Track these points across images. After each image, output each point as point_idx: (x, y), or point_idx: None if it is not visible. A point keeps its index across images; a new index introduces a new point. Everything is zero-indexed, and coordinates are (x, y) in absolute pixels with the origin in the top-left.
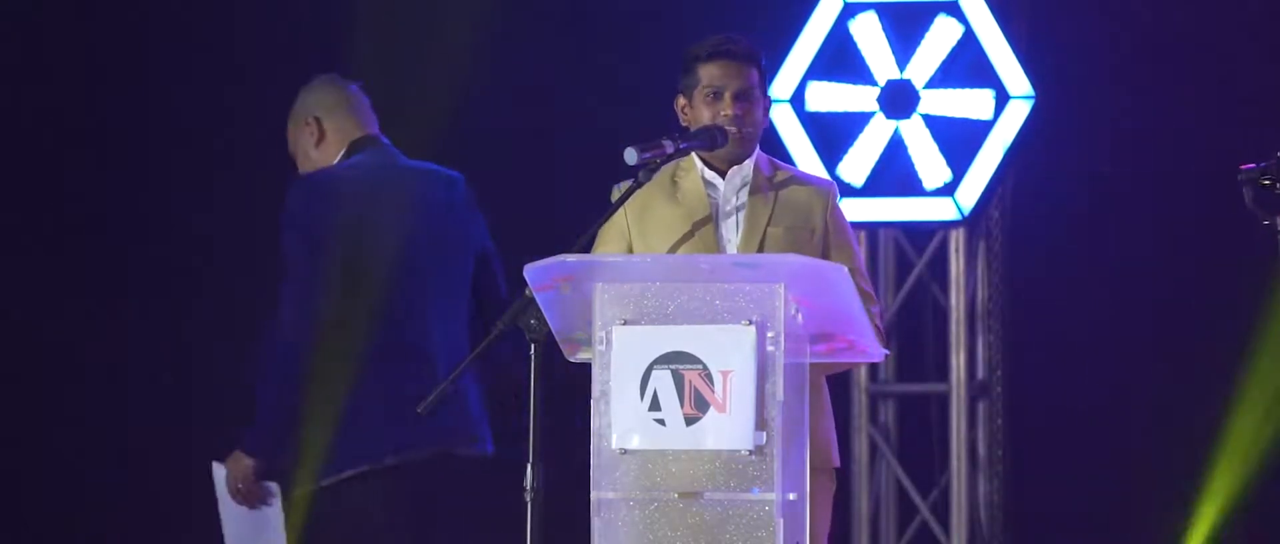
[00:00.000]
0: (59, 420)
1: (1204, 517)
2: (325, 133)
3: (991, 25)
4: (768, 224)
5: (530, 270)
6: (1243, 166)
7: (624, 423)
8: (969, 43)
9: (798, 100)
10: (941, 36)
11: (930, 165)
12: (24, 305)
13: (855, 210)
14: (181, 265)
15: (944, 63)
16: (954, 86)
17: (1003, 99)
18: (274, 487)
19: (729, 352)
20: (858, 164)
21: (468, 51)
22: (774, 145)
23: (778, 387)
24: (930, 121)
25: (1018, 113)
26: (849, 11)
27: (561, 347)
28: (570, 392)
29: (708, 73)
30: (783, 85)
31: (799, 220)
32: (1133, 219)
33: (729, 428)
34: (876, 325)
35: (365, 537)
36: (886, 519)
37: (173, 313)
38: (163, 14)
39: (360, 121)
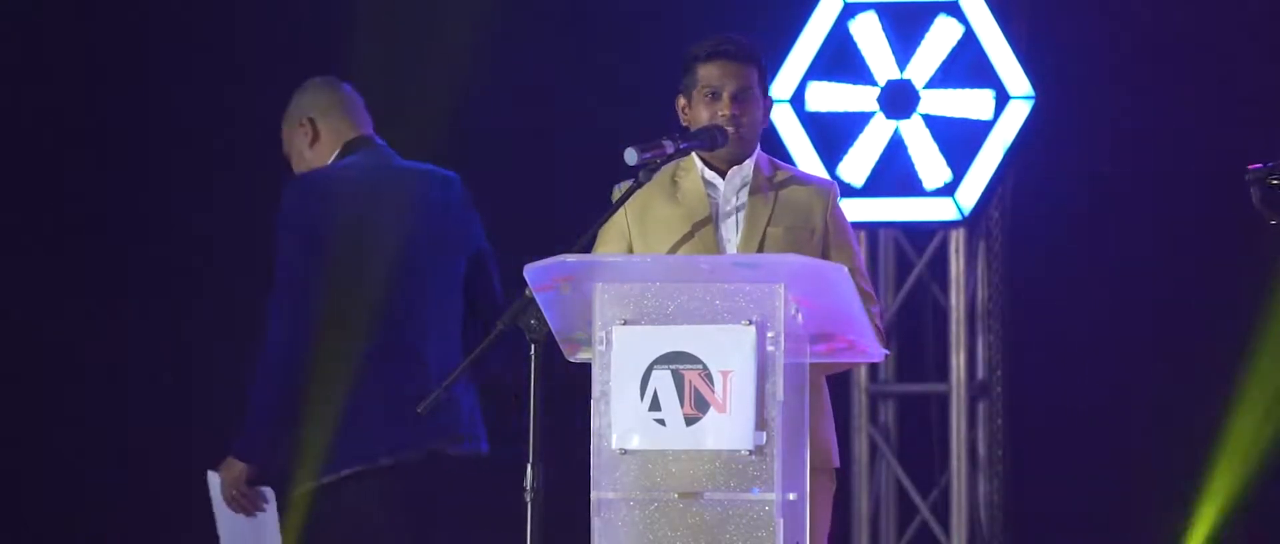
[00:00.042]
0: (59, 420)
1: (1204, 517)
2: (320, 133)
3: (991, 25)
4: (768, 224)
5: (530, 270)
6: (1250, 166)
7: (624, 423)
8: (969, 43)
9: (798, 100)
10: (941, 36)
11: (930, 165)
12: (24, 305)
13: (855, 210)
14: (181, 265)
15: (944, 63)
16: (954, 87)
17: (1003, 99)
18: (269, 492)
19: (729, 352)
20: (858, 164)
21: (468, 51)
22: (774, 145)
23: (778, 387)
24: (930, 122)
25: (1018, 113)
26: (849, 11)
27: (561, 347)
28: (570, 392)
29: (706, 73)
30: (783, 85)
31: (799, 220)
32: (1133, 219)
33: (729, 428)
34: (876, 325)
35: (364, 537)
36: (886, 519)
37: (173, 313)
38: (163, 14)
39: (354, 122)
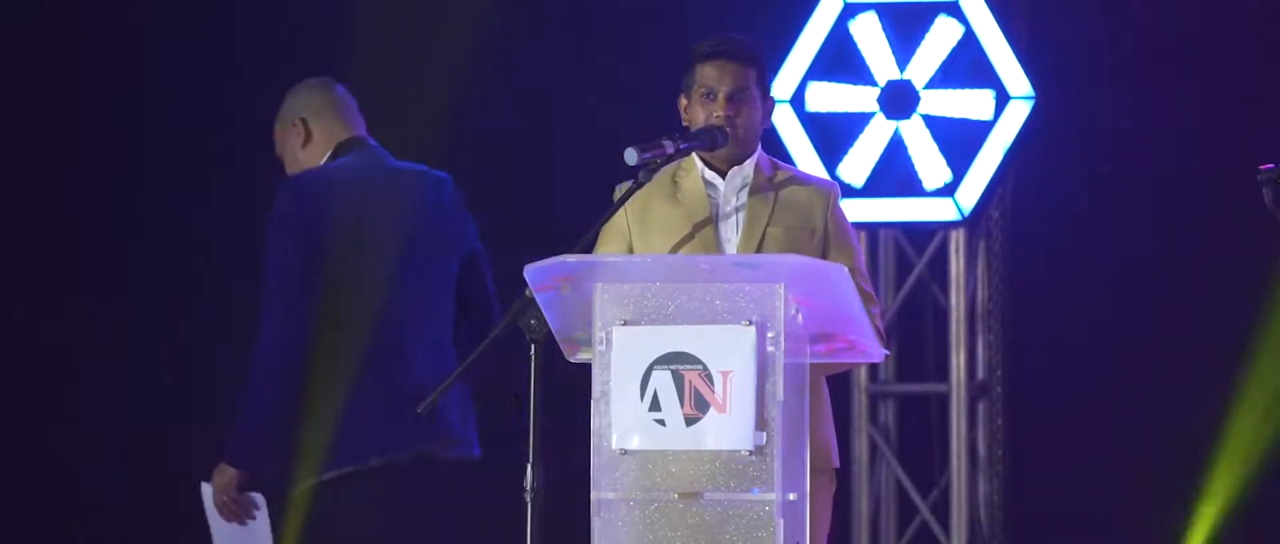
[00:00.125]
0: (59, 420)
1: (1204, 517)
2: (312, 134)
3: (991, 25)
4: (768, 224)
5: (530, 270)
6: (1262, 167)
7: (624, 423)
8: (969, 43)
9: (798, 101)
10: (942, 37)
11: (930, 166)
12: (24, 305)
13: (855, 211)
14: (181, 265)
15: (944, 63)
16: (954, 87)
17: (1003, 99)
18: (260, 498)
19: (729, 352)
20: (858, 164)
21: (468, 51)
22: (774, 145)
23: (778, 387)
24: (930, 122)
25: (1018, 113)
26: (849, 12)
27: (561, 347)
28: (570, 392)
29: (704, 73)
30: (783, 85)
31: (799, 220)
32: (1133, 219)
33: (729, 428)
34: (876, 326)
35: (359, 537)
36: (886, 519)
37: (173, 313)
38: (163, 14)
39: (347, 123)
